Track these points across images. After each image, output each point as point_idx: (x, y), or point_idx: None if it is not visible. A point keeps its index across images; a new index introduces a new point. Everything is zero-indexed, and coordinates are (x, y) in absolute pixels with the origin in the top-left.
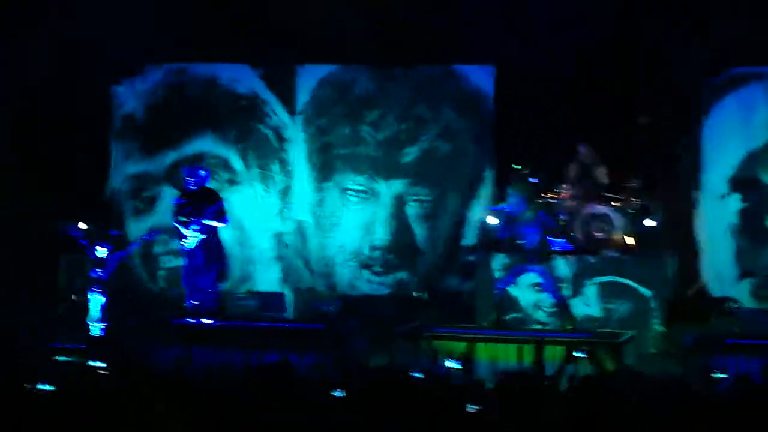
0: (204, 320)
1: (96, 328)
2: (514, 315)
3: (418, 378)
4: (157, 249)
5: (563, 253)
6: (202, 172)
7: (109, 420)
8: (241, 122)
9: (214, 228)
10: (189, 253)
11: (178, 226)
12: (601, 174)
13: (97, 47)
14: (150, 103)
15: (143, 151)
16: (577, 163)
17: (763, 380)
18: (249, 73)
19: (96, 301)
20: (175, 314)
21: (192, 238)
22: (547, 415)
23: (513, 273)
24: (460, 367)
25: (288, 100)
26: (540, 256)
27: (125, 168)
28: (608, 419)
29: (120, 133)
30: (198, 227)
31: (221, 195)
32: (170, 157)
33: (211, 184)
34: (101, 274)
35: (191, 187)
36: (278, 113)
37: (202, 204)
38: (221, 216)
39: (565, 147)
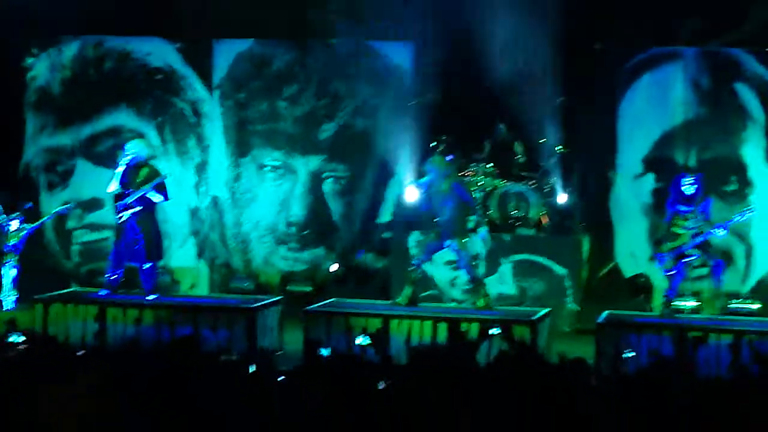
0: (149, 297)
1: (9, 301)
2: (430, 292)
3: (329, 355)
4: (71, 223)
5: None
6: (142, 148)
7: (25, 394)
8: (158, 96)
9: (151, 204)
10: (122, 228)
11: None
12: (518, 152)
13: (10, 18)
14: (65, 76)
15: (58, 124)
16: (494, 141)
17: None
18: (166, 47)
19: (8, 273)
20: (92, 288)
21: (127, 212)
22: (462, 392)
23: (428, 249)
24: (371, 343)
25: (205, 75)
26: (455, 233)
27: (40, 141)
28: (521, 395)
29: (34, 105)
30: (134, 202)
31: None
32: (85, 130)
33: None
34: (13, 247)
35: (130, 162)
36: (195, 88)
37: (142, 179)
38: (162, 191)
39: (483, 125)
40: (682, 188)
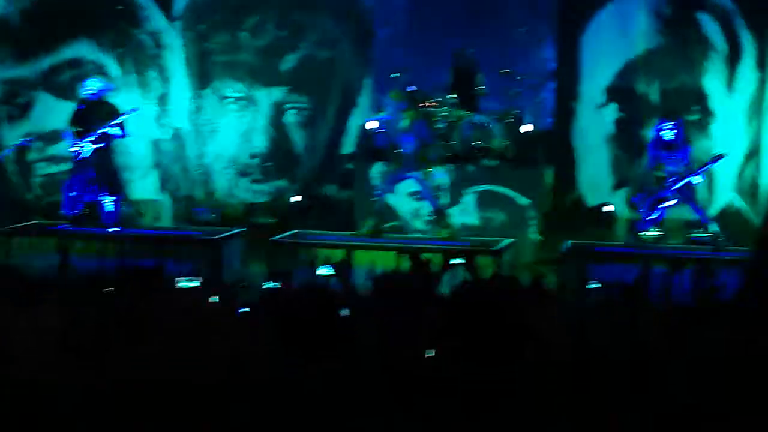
0: (111, 229)
1: None
2: (393, 223)
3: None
4: (32, 155)
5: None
6: (102, 84)
7: None
8: (118, 27)
9: (110, 140)
10: (80, 163)
11: (70, 135)
12: (480, 83)
13: None
14: (24, 7)
15: (17, 56)
16: (456, 71)
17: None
18: None
19: None
20: (54, 221)
21: (86, 147)
22: (425, 319)
23: (391, 180)
24: (333, 273)
25: (166, 5)
26: (418, 164)
27: None
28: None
29: None
30: (94, 137)
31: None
32: (45, 62)
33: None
34: None
35: (91, 97)
36: (156, 18)
37: (102, 115)
38: (122, 127)
39: (444, 56)
40: (662, 134)
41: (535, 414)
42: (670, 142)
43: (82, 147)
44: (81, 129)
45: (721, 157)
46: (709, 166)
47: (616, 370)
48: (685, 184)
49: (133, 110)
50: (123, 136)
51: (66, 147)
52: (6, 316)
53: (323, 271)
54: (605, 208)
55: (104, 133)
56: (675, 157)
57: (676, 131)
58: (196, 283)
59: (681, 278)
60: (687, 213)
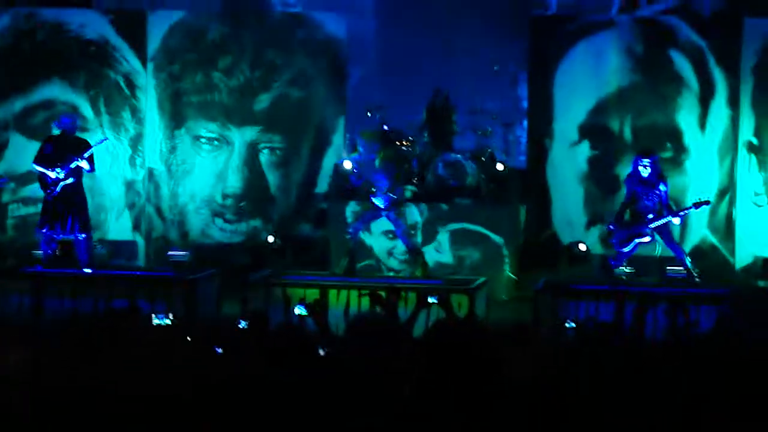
0: (85, 269)
1: None
2: (367, 262)
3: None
4: (6, 197)
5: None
6: (67, 122)
7: None
8: (91, 68)
9: (80, 175)
10: (52, 201)
11: (43, 170)
12: (453, 122)
13: None
14: None
15: None
16: (432, 110)
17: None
18: (99, 19)
19: None
20: (25, 263)
21: (59, 185)
22: (400, 358)
23: (364, 219)
24: (306, 313)
25: (139, 47)
26: (393, 204)
27: None
28: (459, 363)
29: None
30: (64, 173)
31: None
32: (18, 103)
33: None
34: None
35: (60, 133)
36: (129, 60)
37: (72, 151)
38: (91, 161)
39: (417, 94)
40: (639, 169)
41: None
42: (646, 178)
43: (53, 177)
44: (47, 165)
45: (706, 203)
46: (691, 210)
47: (588, 407)
48: (663, 224)
49: (102, 141)
50: (92, 170)
51: (37, 188)
52: None
53: (298, 311)
54: (579, 246)
55: (76, 168)
56: (651, 193)
57: (651, 168)
58: (168, 322)
59: (655, 315)
60: (661, 249)
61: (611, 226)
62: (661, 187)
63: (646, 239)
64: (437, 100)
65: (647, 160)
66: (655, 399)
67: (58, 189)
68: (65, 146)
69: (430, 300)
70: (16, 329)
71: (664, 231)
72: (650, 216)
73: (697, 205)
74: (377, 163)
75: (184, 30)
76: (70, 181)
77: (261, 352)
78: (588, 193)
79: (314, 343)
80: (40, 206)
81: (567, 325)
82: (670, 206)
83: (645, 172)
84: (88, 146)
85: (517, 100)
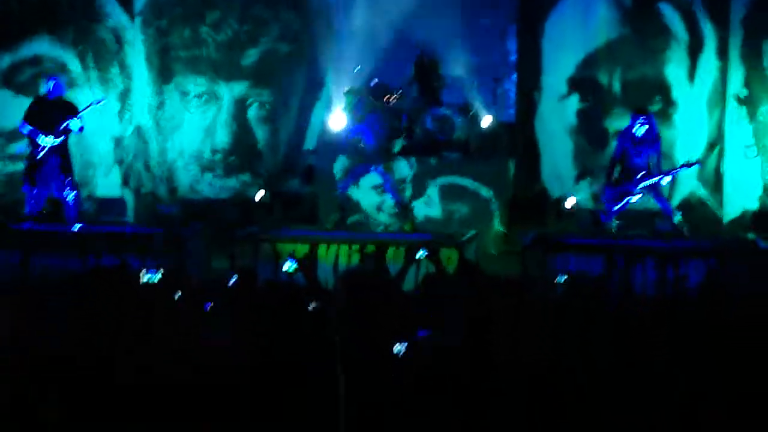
0: (74, 227)
1: None
2: (357, 217)
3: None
4: None
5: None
6: (56, 84)
7: None
8: (79, 24)
9: (68, 136)
10: (41, 160)
11: (33, 135)
12: (440, 76)
13: None
14: None
15: None
16: (420, 65)
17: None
18: None
19: None
20: (14, 220)
21: (49, 142)
22: (392, 314)
23: (354, 174)
24: (297, 267)
25: (127, 2)
26: (381, 158)
27: None
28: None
29: None
30: (55, 139)
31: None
32: (5, 59)
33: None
34: None
35: (49, 95)
36: (117, 15)
37: (62, 114)
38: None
39: (406, 50)
40: (634, 128)
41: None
42: (641, 137)
43: (45, 143)
44: (36, 126)
45: (696, 163)
46: (680, 170)
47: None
48: (653, 183)
49: (99, 101)
50: (81, 130)
51: (24, 145)
52: None
53: (287, 266)
54: (568, 200)
55: (66, 128)
56: (644, 152)
57: (648, 126)
58: (158, 277)
59: (645, 269)
60: (650, 204)
61: (604, 188)
62: (656, 146)
63: (636, 197)
64: (425, 56)
65: (643, 118)
66: (650, 394)
67: (48, 144)
68: (55, 108)
69: (419, 255)
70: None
71: (654, 188)
72: (640, 175)
73: (687, 165)
74: (363, 118)
75: None
76: (60, 140)
77: (250, 307)
78: (577, 146)
79: (304, 297)
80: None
81: (558, 280)
82: (660, 166)
83: (641, 130)
84: (76, 110)
85: (506, 53)
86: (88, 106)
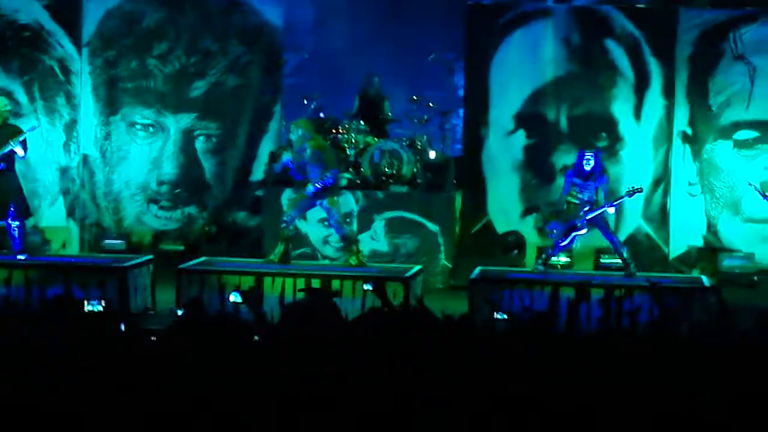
0: (18, 256)
1: None
2: (303, 250)
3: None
4: None
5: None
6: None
7: None
8: (26, 54)
9: (12, 161)
10: None
11: None
12: (388, 109)
13: None
14: None
15: None
16: (366, 98)
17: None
18: (34, 4)
19: None
20: None
21: None
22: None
23: (300, 207)
24: (241, 300)
25: (74, 32)
26: (325, 192)
27: None
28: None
29: None
30: None
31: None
32: None
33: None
34: None
35: None
36: (64, 45)
37: (4, 138)
38: (23, 146)
39: (354, 82)
40: (582, 163)
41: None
42: (588, 171)
43: None
44: None
45: (639, 191)
46: (624, 199)
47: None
48: (598, 214)
49: (32, 128)
50: (24, 156)
51: None
52: None
53: (233, 298)
54: (514, 235)
55: (7, 153)
56: (591, 186)
57: (594, 161)
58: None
59: (590, 304)
60: (597, 240)
61: (550, 224)
62: (602, 180)
63: (583, 231)
64: (370, 88)
65: (590, 153)
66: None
67: None
68: None
69: (365, 287)
70: None
71: (601, 222)
72: (586, 208)
73: (630, 194)
74: (308, 152)
75: (119, 15)
76: (2, 166)
77: (196, 339)
78: (524, 181)
79: (249, 330)
80: None
81: (497, 316)
82: (607, 198)
83: (588, 165)
84: (21, 133)
85: (454, 88)
86: (22, 134)
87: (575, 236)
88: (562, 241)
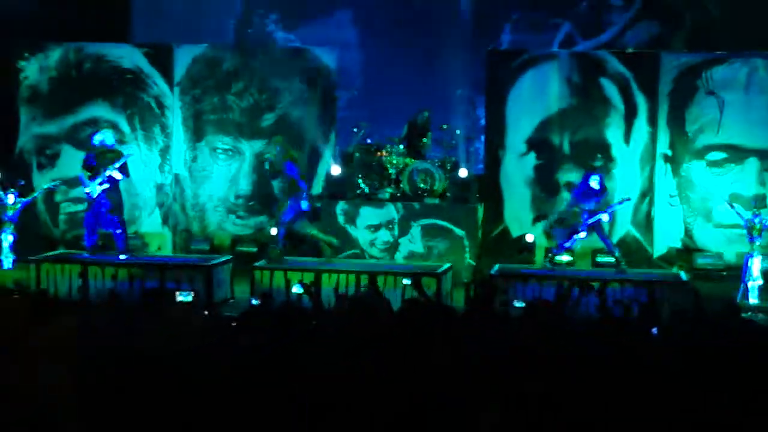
0: (121, 257)
1: (7, 262)
2: (353, 251)
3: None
4: (58, 197)
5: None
6: (104, 137)
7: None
8: (128, 92)
9: (117, 181)
10: (93, 201)
11: (83, 179)
12: (428, 136)
13: (7, 29)
14: (52, 76)
15: (47, 115)
16: (413, 126)
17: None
18: (134, 52)
19: (6, 239)
20: (76, 250)
21: (97, 188)
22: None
23: (281, 221)
24: (302, 292)
25: (167, 74)
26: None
27: (32, 129)
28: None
29: (27, 100)
30: (101, 180)
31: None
32: (69, 120)
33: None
34: (10, 217)
35: (98, 146)
36: (159, 85)
37: (108, 161)
38: (123, 170)
39: (395, 113)
40: (590, 182)
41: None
42: (595, 191)
43: (92, 188)
44: (91, 173)
45: (627, 200)
46: (616, 207)
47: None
48: (596, 220)
49: (128, 155)
50: (126, 177)
51: (82, 190)
52: (33, 329)
53: (295, 289)
54: (526, 238)
55: (110, 176)
56: (593, 200)
57: (599, 181)
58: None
59: (589, 296)
60: (593, 243)
61: (554, 230)
62: (603, 195)
63: (583, 234)
64: (419, 118)
65: (596, 175)
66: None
67: (98, 192)
68: (103, 159)
69: (405, 282)
70: (68, 304)
71: (598, 228)
72: (585, 215)
73: (620, 202)
74: (285, 165)
75: (204, 60)
76: (106, 186)
77: (268, 323)
78: (534, 194)
79: (309, 316)
80: (85, 204)
81: (516, 304)
82: (602, 208)
83: (596, 184)
84: (121, 156)
85: (477, 118)
86: (120, 159)
87: (576, 239)
88: (565, 242)
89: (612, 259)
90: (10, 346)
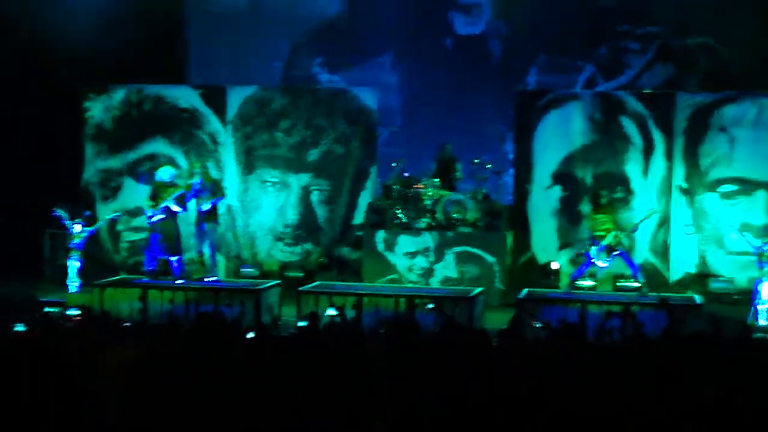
0: (177, 282)
1: (74, 286)
2: (392, 276)
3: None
4: (120, 227)
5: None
6: (167, 173)
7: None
8: (185, 130)
9: (173, 212)
10: (154, 230)
11: (147, 209)
12: (457, 169)
13: (74, 74)
14: (114, 114)
15: (109, 151)
16: (441, 161)
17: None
18: (190, 92)
19: (73, 265)
20: (136, 276)
21: (156, 218)
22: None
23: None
24: (337, 313)
25: (220, 113)
26: (209, 215)
27: (96, 164)
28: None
29: (92, 137)
30: (161, 211)
31: (182, 188)
32: (130, 156)
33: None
34: (77, 245)
35: (160, 180)
36: (213, 123)
37: (167, 195)
38: (180, 203)
39: (430, 148)
40: None
41: None
42: None
43: (152, 218)
44: (154, 204)
45: (652, 212)
46: (643, 221)
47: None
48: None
49: (179, 193)
50: (184, 209)
51: (144, 220)
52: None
53: (330, 312)
54: (552, 265)
55: (167, 207)
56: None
57: None
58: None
59: (611, 319)
60: (616, 269)
61: (588, 252)
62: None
63: (618, 253)
64: (444, 153)
65: None
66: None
67: (156, 221)
68: (164, 192)
69: (428, 306)
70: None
71: (624, 254)
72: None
73: (644, 219)
74: (201, 183)
75: (254, 101)
76: (162, 216)
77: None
78: (559, 224)
79: (349, 337)
80: (145, 233)
81: (535, 324)
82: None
83: None
84: (178, 191)
85: (506, 153)
86: (176, 194)
87: (614, 257)
88: (606, 263)
89: (633, 284)
90: (79, 364)
